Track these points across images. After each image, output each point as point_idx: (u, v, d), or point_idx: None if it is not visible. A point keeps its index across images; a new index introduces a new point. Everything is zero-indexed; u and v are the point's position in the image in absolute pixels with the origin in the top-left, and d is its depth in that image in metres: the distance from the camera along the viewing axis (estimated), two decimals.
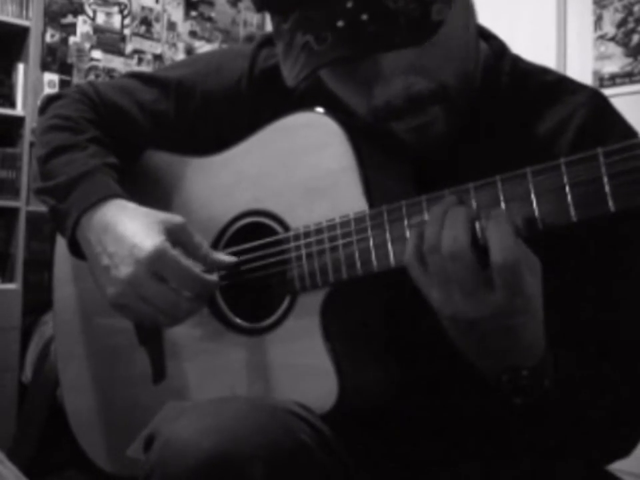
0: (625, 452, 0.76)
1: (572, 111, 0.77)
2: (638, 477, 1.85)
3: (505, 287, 0.59)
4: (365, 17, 0.63)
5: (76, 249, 0.88)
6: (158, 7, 3.78)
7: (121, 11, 3.63)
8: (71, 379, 1.06)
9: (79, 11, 3.46)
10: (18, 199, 2.91)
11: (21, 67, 3.00)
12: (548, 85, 0.81)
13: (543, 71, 0.83)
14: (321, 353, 0.75)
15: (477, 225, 0.62)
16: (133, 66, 3.63)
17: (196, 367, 0.88)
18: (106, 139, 0.96)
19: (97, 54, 3.52)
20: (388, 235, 0.70)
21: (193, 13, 3.92)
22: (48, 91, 3.25)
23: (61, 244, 1.01)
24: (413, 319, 0.77)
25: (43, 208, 0.92)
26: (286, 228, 0.80)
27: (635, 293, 0.75)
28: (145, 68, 3.63)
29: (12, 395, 2.72)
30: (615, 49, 2.60)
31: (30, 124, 2.90)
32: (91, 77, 3.46)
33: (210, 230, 0.88)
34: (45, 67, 3.31)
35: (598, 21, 2.65)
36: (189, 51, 3.88)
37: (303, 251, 0.77)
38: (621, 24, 2.58)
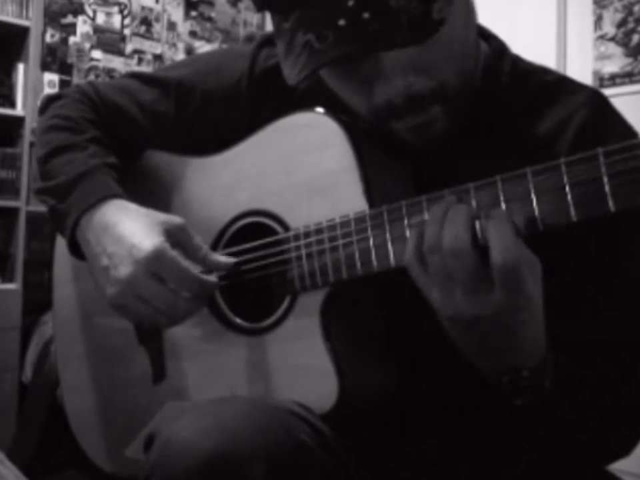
0: (624, 452, 0.76)
1: (572, 111, 0.77)
2: (638, 477, 1.85)
3: (505, 286, 0.59)
4: (366, 15, 0.63)
5: (75, 249, 0.88)
6: (158, 7, 3.78)
7: (121, 11, 3.63)
8: (71, 379, 1.06)
9: (79, 10, 3.46)
10: (18, 198, 2.91)
11: (20, 67, 3.00)
12: (548, 85, 0.81)
13: (543, 71, 0.83)
14: (321, 353, 0.75)
15: (477, 225, 0.62)
16: (132, 66, 3.63)
17: (196, 367, 0.88)
18: (106, 139, 0.96)
19: (96, 54, 3.52)
20: (388, 235, 0.70)
21: (193, 13, 3.92)
22: (48, 91, 3.25)
23: (61, 244, 1.01)
24: (412, 319, 0.77)
25: (42, 208, 0.92)
26: (286, 228, 0.80)
27: (634, 293, 0.75)
28: (145, 68, 3.63)
29: (12, 395, 2.72)
30: (615, 49, 2.60)
31: (30, 124, 2.90)
32: (91, 77, 3.47)
33: (210, 230, 0.88)
34: (45, 67, 3.31)
35: (598, 20, 2.65)
36: (189, 51, 3.88)
37: (303, 251, 0.77)
38: (621, 24, 2.58)
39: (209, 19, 3.99)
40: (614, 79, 2.59)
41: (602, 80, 2.62)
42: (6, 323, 2.76)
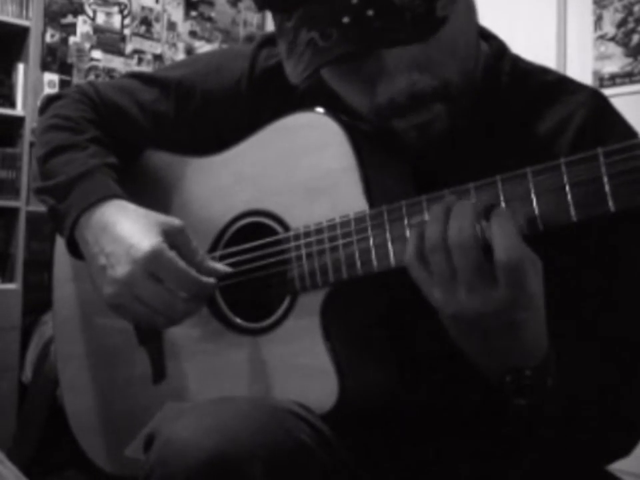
0: (625, 452, 0.76)
1: (572, 111, 0.77)
2: (638, 477, 1.85)
3: (509, 284, 0.59)
4: (370, 12, 0.63)
5: (74, 249, 0.88)
6: (158, 7, 3.78)
7: (121, 11, 3.63)
8: (71, 379, 1.06)
9: (79, 10, 3.46)
10: (18, 198, 2.91)
11: (20, 67, 3.00)
12: (548, 85, 0.81)
13: (543, 71, 0.83)
14: (321, 353, 0.75)
15: (480, 224, 0.61)
16: (132, 66, 3.63)
17: (196, 367, 0.88)
18: (106, 139, 0.96)
19: (96, 54, 3.52)
20: (388, 235, 0.70)
21: (193, 13, 3.92)
22: (48, 91, 3.25)
23: (61, 244, 1.01)
24: (413, 319, 0.77)
25: (43, 208, 0.92)
26: (286, 228, 0.80)
27: (635, 293, 0.75)
28: (145, 68, 3.63)
29: (12, 395, 2.72)
30: (615, 49, 2.60)
31: (30, 124, 2.90)
32: (91, 77, 3.47)
33: (210, 230, 0.88)
34: (45, 67, 3.31)
35: (598, 20, 2.65)
36: (189, 51, 3.89)
37: (303, 251, 0.77)
38: (621, 24, 2.59)
39: (209, 19, 3.99)
40: (614, 79, 2.59)
41: (602, 80, 2.62)
42: (6, 322, 2.76)
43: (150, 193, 0.95)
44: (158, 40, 3.77)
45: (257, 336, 0.82)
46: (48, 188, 0.90)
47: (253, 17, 4.17)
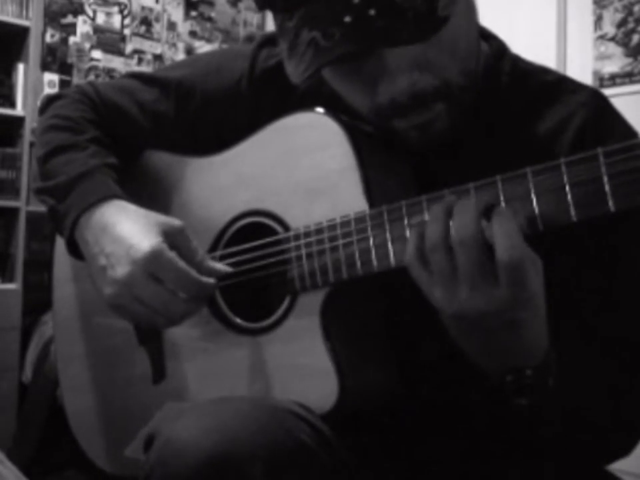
0: (625, 451, 0.76)
1: (572, 111, 0.77)
2: (638, 477, 1.85)
3: (510, 283, 0.59)
4: (372, 12, 0.63)
5: (74, 249, 0.88)
6: (158, 7, 3.78)
7: (121, 11, 3.63)
8: (71, 379, 1.06)
9: (79, 10, 3.46)
10: (18, 198, 2.91)
11: (20, 67, 3.00)
12: (548, 85, 0.81)
13: (543, 71, 0.83)
14: (321, 353, 0.75)
15: (482, 223, 0.61)
16: (132, 66, 3.63)
17: (196, 366, 0.88)
18: (106, 139, 0.96)
19: (96, 54, 3.52)
20: (388, 235, 0.70)
21: (193, 13, 3.92)
22: (48, 91, 3.25)
23: (61, 244, 1.01)
24: (413, 319, 0.77)
25: (43, 208, 0.92)
26: (286, 228, 0.80)
27: (635, 293, 0.75)
28: (145, 68, 3.63)
29: (12, 395, 2.72)
30: (615, 49, 2.60)
31: (30, 124, 2.90)
32: (91, 77, 3.47)
33: (210, 230, 0.88)
34: (45, 67, 3.31)
35: (598, 20, 2.65)
36: (189, 51, 3.89)
37: (303, 251, 0.77)
38: (621, 24, 2.59)
39: (209, 19, 3.99)
40: (614, 79, 2.59)
41: (602, 80, 2.62)
42: (6, 322, 2.76)
43: (150, 193, 0.95)
44: (158, 40, 3.77)
45: (256, 336, 0.82)
46: (48, 188, 0.90)
47: (253, 17, 4.17)
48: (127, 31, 3.65)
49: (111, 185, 0.88)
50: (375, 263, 0.71)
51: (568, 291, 0.72)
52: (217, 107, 0.93)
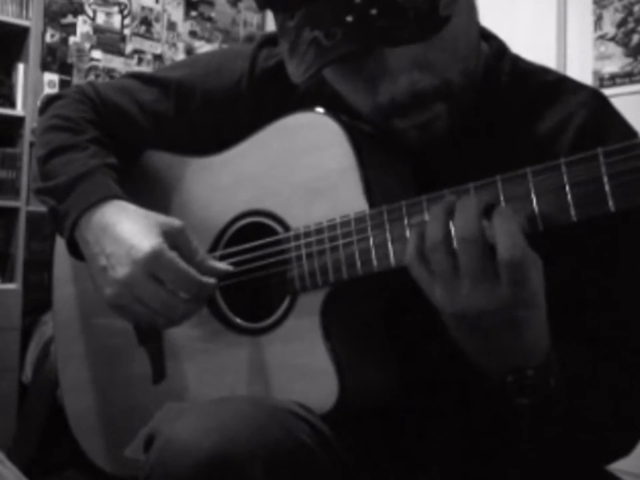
0: (625, 451, 0.76)
1: (572, 111, 0.77)
2: (638, 477, 1.86)
3: (511, 282, 0.59)
4: (374, 11, 0.63)
5: (74, 250, 0.88)
6: (158, 7, 3.78)
7: (121, 11, 3.63)
8: (71, 379, 1.06)
9: (79, 10, 3.46)
10: (18, 199, 2.92)
11: (21, 67, 3.00)
12: (548, 85, 0.81)
13: (543, 71, 0.83)
14: (321, 353, 0.75)
15: (483, 222, 0.61)
16: (132, 66, 3.63)
17: (196, 367, 0.88)
18: (106, 139, 0.96)
19: (97, 54, 3.52)
20: (388, 235, 0.70)
21: (193, 13, 3.92)
22: (48, 91, 3.25)
23: (61, 244, 1.01)
24: (413, 319, 0.77)
25: (43, 208, 0.92)
26: (286, 228, 0.80)
27: (635, 293, 0.75)
28: (145, 68, 3.63)
29: (12, 395, 2.72)
30: (615, 49, 2.60)
31: (30, 124, 2.90)
32: (91, 77, 3.47)
33: (210, 230, 0.88)
34: (45, 67, 3.32)
35: (598, 20, 2.65)
36: (189, 51, 3.89)
37: (303, 251, 0.77)
38: (621, 24, 2.59)
39: (209, 19, 3.99)
40: (614, 79, 2.59)
41: (602, 80, 2.62)
42: (6, 322, 2.76)
43: (150, 193, 0.95)
44: (158, 40, 3.77)
45: (256, 336, 0.82)
46: (48, 188, 0.90)
47: (253, 17, 4.17)
48: (127, 31, 3.65)
49: (111, 185, 0.88)
50: (375, 262, 0.71)
51: (568, 291, 0.72)
52: (217, 107, 0.93)
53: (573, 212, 0.59)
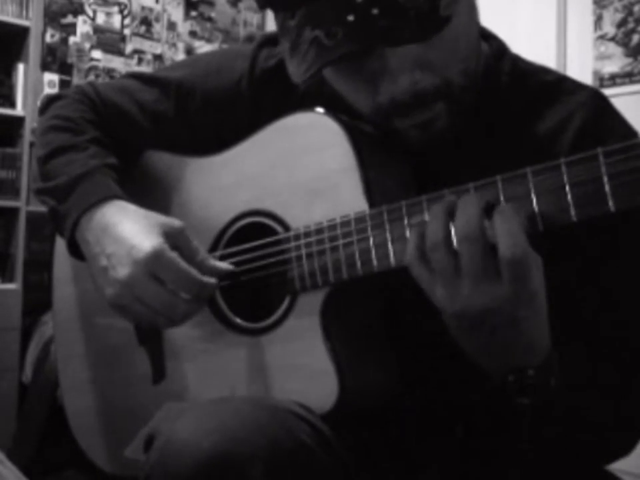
0: (625, 451, 0.76)
1: (572, 111, 0.77)
2: (638, 477, 1.85)
3: (512, 280, 0.59)
4: (375, 11, 0.63)
5: (75, 250, 0.88)
6: (158, 7, 3.78)
7: (121, 11, 3.63)
8: (71, 379, 1.06)
9: (79, 10, 3.46)
10: (18, 199, 2.92)
11: (21, 67, 3.00)
12: (548, 85, 0.81)
13: (543, 71, 0.83)
14: (321, 353, 0.75)
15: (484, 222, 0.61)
16: (132, 66, 3.63)
17: (196, 367, 0.88)
18: (106, 139, 0.96)
19: (96, 54, 3.52)
20: (388, 235, 0.70)
21: (193, 13, 3.92)
22: (48, 91, 3.25)
23: (61, 244, 1.01)
24: (413, 319, 0.77)
25: (43, 208, 0.92)
26: (286, 228, 0.80)
27: (635, 293, 0.75)
28: (145, 68, 3.63)
29: (12, 395, 2.72)
30: (615, 49, 2.60)
31: (30, 124, 2.91)
32: (91, 77, 3.47)
33: (210, 230, 0.88)
34: (45, 67, 3.32)
35: (598, 20, 2.65)
36: (189, 51, 3.89)
37: (303, 251, 0.77)
38: (621, 24, 2.59)
39: (209, 19, 3.99)
40: (614, 79, 2.59)
41: (602, 80, 2.62)
42: (6, 322, 2.76)
43: (150, 193, 0.95)
44: (158, 40, 3.77)
45: (256, 336, 0.82)
46: (48, 189, 0.90)
47: (253, 17, 4.17)
48: (127, 31, 3.65)
49: (112, 185, 0.88)
50: (375, 262, 0.71)
51: (568, 291, 0.72)
52: (217, 107, 0.93)
53: (573, 212, 0.59)
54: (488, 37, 0.84)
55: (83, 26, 3.47)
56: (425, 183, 0.74)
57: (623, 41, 2.58)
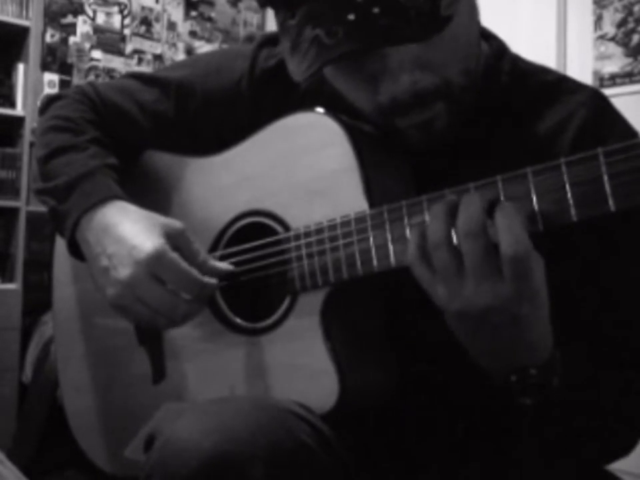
0: (625, 451, 0.76)
1: (572, 111, 0.77)
2: (638, 477, 1.86)
3: (515, 278, 0.59)
4: (376, 10, 0.63)
5: (75, 250, 0.88)
6: (158, 7, 3.78)
7: (121, 11, 3.63)
8: (71, 379, 1.06)
9: (79, 10, 3.46)
10: (18, 199, 2.92)
11: (21, 67, 3.00)
12: (548, 85, 0.81)
13: (543, 71, 0.83)
14: (321, 353, 0.75)
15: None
16: (132, 66, 3.63)
17: (196, 367, 0.88)
18: (106, 139, 0.96)
19: (96, 54, 3.52)
20: (388, 235, 0.70)
21: (193, 13, 3.92)
22: (48, 91, 3.25)
23: (61, 244, 1.01)
24: (413, 319, 0.77)
25: (43, 208, 0.92)
26: (286, 228, 0.80)
27: (635, 293, 0.75)
28: (145, 68, 3.63)
29: (12, 395, 2.72)
30: (615, 49, 2.60)
31: (30, 124, 2.91)
32: (91, 77, 3.47)
33: (210, 230, 0.88)
34: (45, 67, 3.32)
35: (598, 20, 2.65)
36: (189, 51, 3.89)
37: (304, 251, 0.77)
38: (621, 24, 2.59)
39: (209, 19, 3.99)
40: (614, 79, 2.59)
41: (602, 80, 2.62)
42: (6, 322, 2.76)
43: (150, 193, 0.95)
44: (158, 40, 3.77)
45: (257, 336, 0.82)
46: (48, 189, 0.90)
47: (253, 17, 4.17)
48: (127, 31, 3.65)
49: (112, 185, 0.88)
50: (375, 262, 0.71)
51: (569, 291, 0.72)
52: (217, 107, 0.93)
53: (573, 212, 0.59)
54: (488, 36, 0.84)
55: (82, 26, 3.47)
56: (425, 183, 0.74)
57: (623, 40, 2.58)
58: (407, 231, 0.68)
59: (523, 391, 0.65)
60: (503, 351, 0.64)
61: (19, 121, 2.94)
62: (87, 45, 3.49)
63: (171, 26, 3.83)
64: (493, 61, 0.82)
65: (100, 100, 0.99)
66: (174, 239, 0.81)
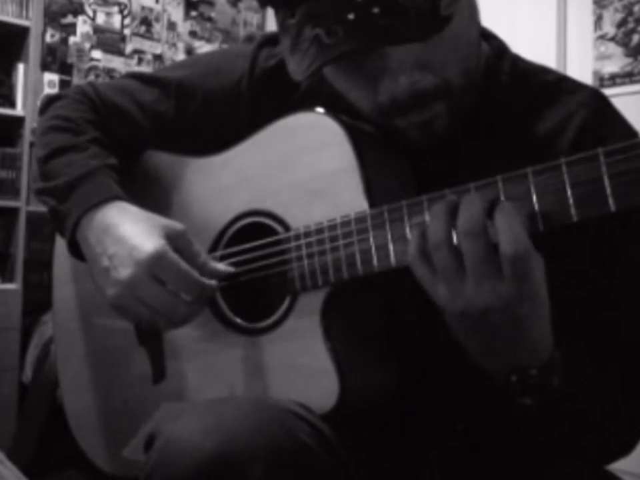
0: (625, 451, 0.76)
1: (572, 111, 0.77)
2: (638, 477, 1.86)
3: (515, 277, 0.59)
4: (376, 10, 0.63)
5: (75, 250, 0.88)
6: (158, 7, 3.78)
7: (121, 11, 3.63)
8: (71, 379, 1.06)
9: (79, 10, 3.47)
10: (18, 199, 2.92)
11: (20, 67, 3.00)
12: (548, 85, 0.81)
13: (543, 71, 0.83)
14: (321, 353, 0.75)
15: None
16: (132, 66, 3.63)
17: (196, 367, 0.88)
18: (106, 139, 0.96)
19: (96, 54, 3.52)
20: (389, 235, 0.70)
21: (193, 13, 3.92)
22: (48, 91, 3.25)
23: (61, 244, 1.01)
24: (413, 319, 0.77)
25: (43, 208, 0.92)
26: (286, 228, 0.80)
27: (635, 293, 0.75)
28: (145, 68, 3.63)
29: (12, 395, 2.72)
30: (615, 49, 2.60)
31: (30, 124, 2.91)
32: (91, 77, 3.47)
33: (210, 230, 0.88)
34: (45, 67, 3.32)
35: (598, 20, 2.65)
36: (189, 51, 3.89)
37: (304, 251, 0.77)
38: (621, 24, 2.59)
39: (209, 19, 3.99)
40: (614, 79, 2.59)
41: (602, 80, 2.62)
42: (6, 322, 2.76)
43: (150, 193, 0.95)
44: (158, 40, 3.77)
45: (257, 336, 0.82)
46: (49, 189, 0.90)
47: (253, 17, 4.17)
48: (127, 31, 3.65)
49: (112, 186, 0.88)
50: (375, 262, 0.71)
51: (569, 291, 0.72)
52: (217, 107, 0.93)
53: (573, 212, 0.59)
54: (488, 36, 0.84)
55: (82, 26, 3.48)
56: (425, 183, 0.74)
57: (623, 40, 2.58)
58: (407, 231, 0.68)
59: (523, 391, 0.65)
60: (502, 350, 0.64)
61: (19, 121, 2.95)
62: (87, 45, 3.49)
63: (171, 26, 3.83)
64: (493, 61, 0.82)
65: (100, 100, 0.99)
66: (174, 240, 0.81)
